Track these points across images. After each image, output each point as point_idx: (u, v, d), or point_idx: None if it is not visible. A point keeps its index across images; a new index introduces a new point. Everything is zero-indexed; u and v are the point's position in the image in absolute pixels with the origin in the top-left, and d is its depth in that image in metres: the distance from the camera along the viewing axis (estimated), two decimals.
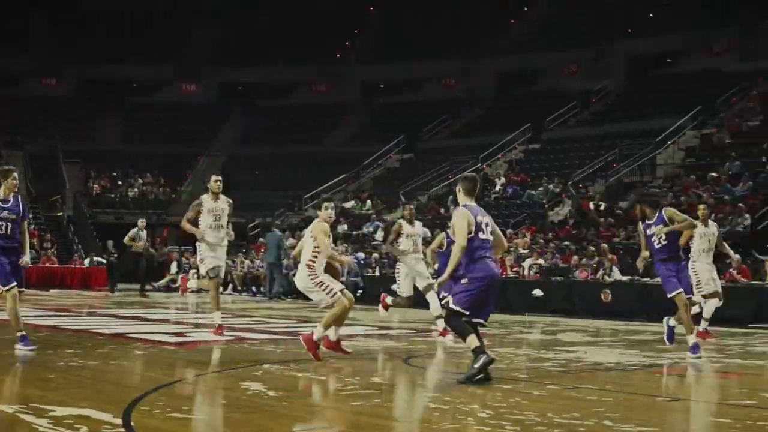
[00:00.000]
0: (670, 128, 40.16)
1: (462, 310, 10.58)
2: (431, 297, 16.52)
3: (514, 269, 28.88)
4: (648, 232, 14.27)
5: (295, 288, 13.60)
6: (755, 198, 31.14)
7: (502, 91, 56.04)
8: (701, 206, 17.97)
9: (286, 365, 12.07)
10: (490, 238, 10.90)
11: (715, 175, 33.95)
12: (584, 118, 48.34)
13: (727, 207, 30.25)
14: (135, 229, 31.96)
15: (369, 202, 44.75)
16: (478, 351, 10.43)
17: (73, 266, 40.30)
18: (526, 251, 30.00)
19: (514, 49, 56.17)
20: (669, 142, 39.97)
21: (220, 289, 17.48)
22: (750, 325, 21.21)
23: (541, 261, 28.68)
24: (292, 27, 59.56)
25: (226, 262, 18.12)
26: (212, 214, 16.01)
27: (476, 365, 10.35)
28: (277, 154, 52.49)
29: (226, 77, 60.84)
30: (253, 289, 36.25)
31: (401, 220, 17.39)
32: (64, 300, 29.05)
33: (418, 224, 17.48)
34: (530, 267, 28.38)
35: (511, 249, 30.22)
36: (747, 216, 28.93)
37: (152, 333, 16.39)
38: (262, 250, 36.37)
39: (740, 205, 29.79)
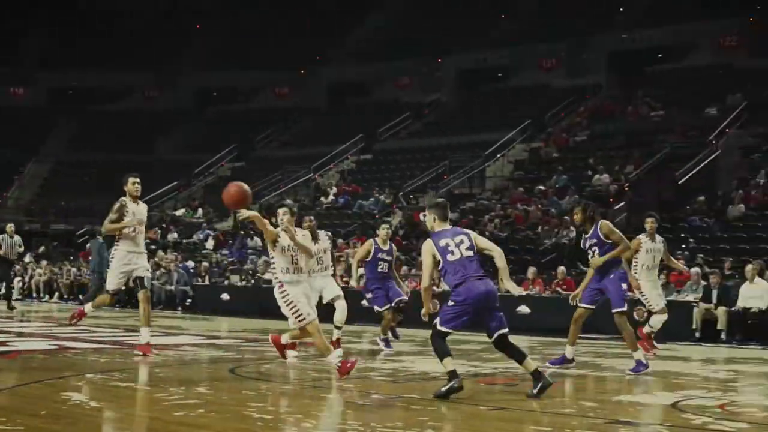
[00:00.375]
0: (499, 141, 40.86)
1: (447, 330, 10.49)
2: (340, 305, 15.98)
3: (344, 279, 28.91)
4: (586, 244, 13.94)
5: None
6: None
7: (335, 101, 56.18)
8: (649, 219, 16.69)
9: (109, 375, 11.87)
10: (466, 254, 10.58)
11: (542, 188, 34.67)
12: (416, 129, 48.79)
13: (554, 220, 30.91)
14: (3, 234, 27.95)
15: (200, 210, 44.39)
16: (452, 375, 10.37)
17: None
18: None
19: (347, 60, 56.41)
20: (498, 155, 40.66)
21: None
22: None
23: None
24: (124, 31, 58.74)
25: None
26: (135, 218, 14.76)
27: (444, 388, 10.29)
28: (107, 161, 51.61)
29: (55, 82, 59.60)
30: (80, 297, 35.58)
31: None
32: None
33: (322, 235, 16.22)
34: (361, 277, 28.43)
35: (342, 259, 30.30)
36: (572, 229, 29.52)
37: None
38: (90, 258, 35.74)
39: (566, 218, 30.42)
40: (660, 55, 46.12)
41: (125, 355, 14.84)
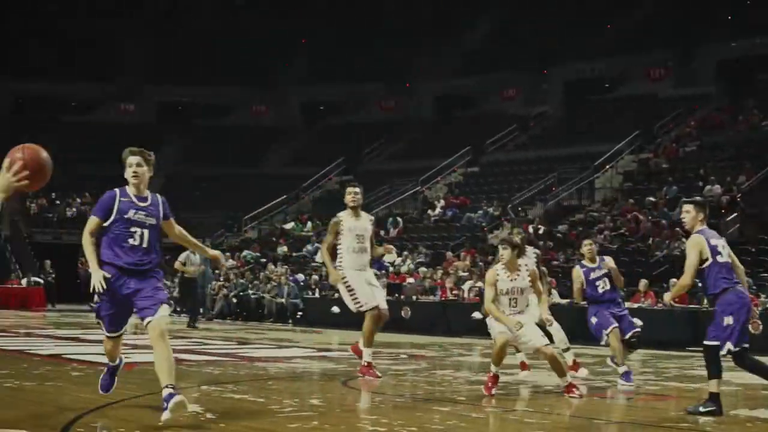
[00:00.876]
0: (608, 153, 40.51)
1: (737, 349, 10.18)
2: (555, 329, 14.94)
3: (454, 292, 28.93)
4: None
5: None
6: None
7: (441, 113, 56.19)
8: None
9: (223, 386, 11.99)
10: (730, 259, 10.38)
11: (652, 199, 34.29)
12: (523, 141, 48.62)
13: (665, 231, 30.56)
14: (186, 252, 26.79)
15: (309, 223, 44.69)
16: (714, 398, 10.17)
17: (10, 286, 39.87)
18: (465, 274, 30.08)
19: (453, 72, 56.42)
20: (607, 167, 40.31)
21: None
22: (688, 348, 21.38)
23: (480, 283, 28.73)
24: (229, 47, 59.44)
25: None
26: (354, 234, 13.71)
27: (703, 408, 10.14)
28: (217, 175, 52.24)
29: (164, 97, 60.48)
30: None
31: None
32: (1, 320, 28.72)
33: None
34: (470, 289, 28.44)
35: (451, 272, 30.35)
36: (684, 240, 29.16)
37: (89, 354, 16.14)
38: None
39: (677, 229, 30.07)
40: None
41: (238, 367, 14.99)
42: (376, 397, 11.74)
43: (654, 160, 39.27)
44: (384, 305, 13.78)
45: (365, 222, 13.96)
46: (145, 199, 9.17)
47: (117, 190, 9.16)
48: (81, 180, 51.87)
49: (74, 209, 50.52)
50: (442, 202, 41.94)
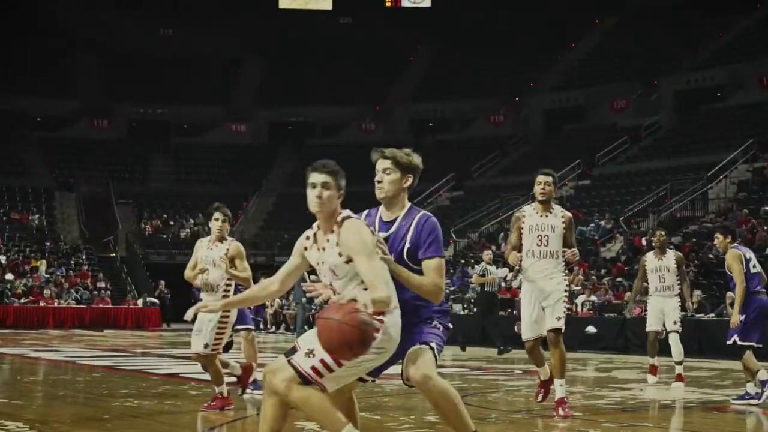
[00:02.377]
0: (721, 162, 39.93)
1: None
2: (674, 340, 15.38)
3: (567, 306, 28.72)
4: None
5: None
6: None
7: (550, 127, 55.97)
8: None
9: None
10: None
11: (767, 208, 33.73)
12: (634, 153, 48.18)
13: None
14: (483, 264, 24.65)
15: None
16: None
17: (126, 306, 40.57)
18: (578, 288, 29.87)
19: (561, 85, 56.21)
20: (721, 177, 39.71)
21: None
22: None
23: (594, 298, 28.55)
24: (338, 67, 59.93)
25: None
26: (535, 233, 11.71)
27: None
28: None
29: (274, 117, 61.15)
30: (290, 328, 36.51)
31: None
32: (118, 340, 29.20)
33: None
34: (583, 304, 28.25)
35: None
36: None
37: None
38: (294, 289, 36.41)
39: None
40: None
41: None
42: (491, 413, 11.70)
43: None
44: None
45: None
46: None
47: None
48: (193, 200, 52.68)
49: (187, 230, 51.26)
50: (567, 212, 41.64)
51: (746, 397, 12.69)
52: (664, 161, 44.11)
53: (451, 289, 35.69)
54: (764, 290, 12.53)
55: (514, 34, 57.64)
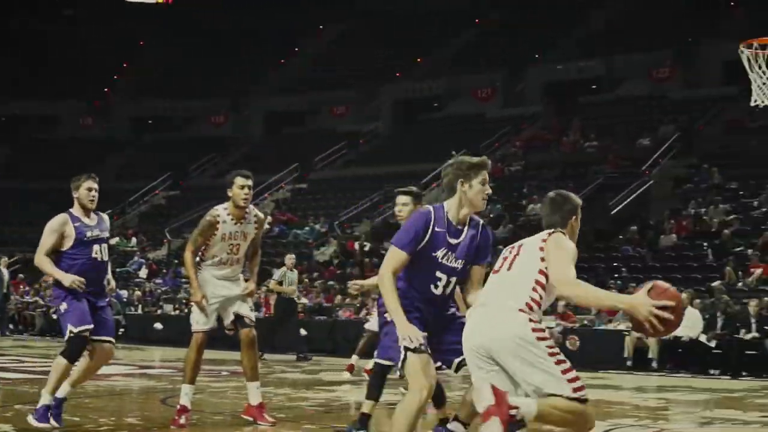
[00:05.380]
0: (434, 171, 40.94)
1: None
2: None
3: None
4: None
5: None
6: (515, 241, 31.98)
7: (271, 130, 56.04)
8: None
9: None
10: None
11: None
12: (351, 159, 48.80)
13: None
14: (283, 269, 24.36)
15: (134, 239, 44.04)
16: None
17: None
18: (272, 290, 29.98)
19: (284, 89, 56.40)
20: (434, 185, 40.70)
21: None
22: None
23: (305, 300, 28.76)
24: (57, 60, 58.37)
25: None
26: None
27: None
28: (45, 189, 50.69)
29: None
30: None
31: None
32: None
33: None
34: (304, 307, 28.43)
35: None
36: None
37: None
38: None
39: (500, 247, 30.56)
40: (594, 86, 46.59)
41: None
42: (193, 414, 11.60)
43: None
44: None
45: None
46: None
47: None
48: None
49: None
50: (270, 218, 41.78)
51: None
52: (380, 168, 44.72)
53: (163, 289, 35.35)
54: None
55: (241, 37, 57.46)
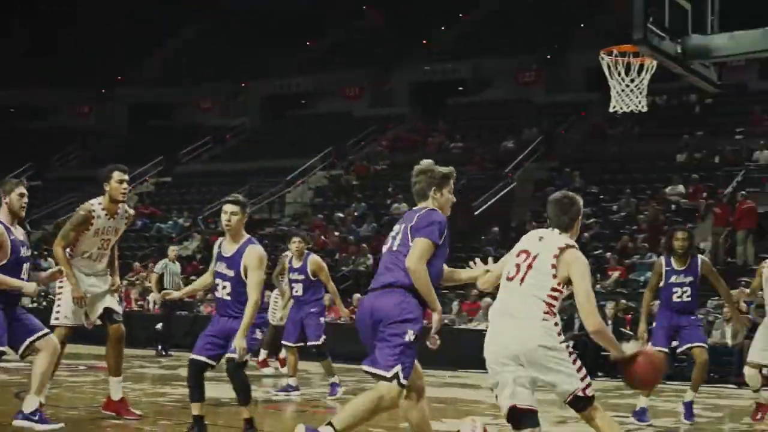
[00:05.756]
0: (300, 168, 40.98)
1: None
2: None
3: (139, 303, 28.58)
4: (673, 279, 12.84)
5: None
6: (378, 239, 32.27)
7: (136, 122, 55.31)
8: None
9: None
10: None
11: (341, 215, 34.93)
12: (217, 153, 48.51)
13: (352, 247, 31.20)
14: (164, 261, 23.85)
15: None
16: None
17: None
18: (150, 285, 29.69)
19: (150, 81, 55.75)
20: (299, 182, 40.75)
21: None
22: None
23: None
24: None
25: None
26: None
27: None
28: None
29: None
30: None
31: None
32: None
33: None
34: (155, 301, 28.13)
35: (137, 282, 29.94)
36: (370, 256, 29.90)
37: None
38: None
39: (364, 245, 30.86)
40: (461, 89, 47.07)
41: None
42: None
43: (345, 177, 39.95)
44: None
45: None
46: None
47: None
48: None
49: None
50: (133, 211, 41.25)
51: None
52: (246, 163, 44.53)
53: None
54: None
55: (105, 27, 56.63)
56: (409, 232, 7.96)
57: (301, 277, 14.62)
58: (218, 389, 11.63)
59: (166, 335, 23.96)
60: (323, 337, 14.57)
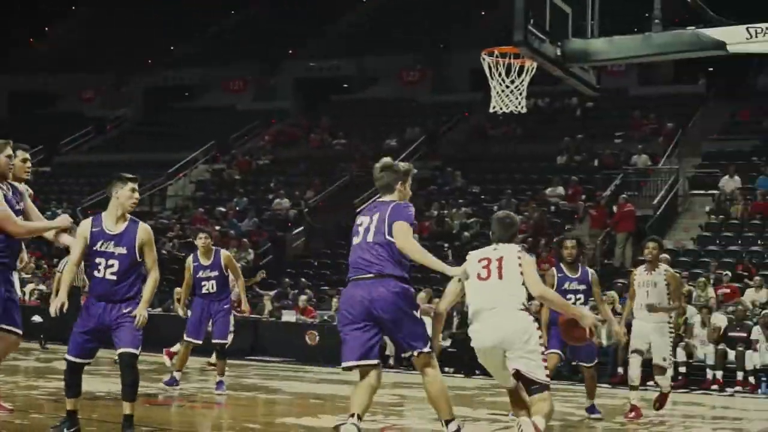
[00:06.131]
0: (182, 161, 40.67)
1: None
2: None
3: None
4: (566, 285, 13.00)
5: None
6: (259, 234, 32.27)
7: (17, 110, 54.28)
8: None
9: None
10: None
11: (223, 209, 34.76)
12: (99, 144, 47.89)
13: (233, 241, 31.06)
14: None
15: None
16: None
17: None
18: (29, 276, 29.25)
19: (31, 69, 54.77)
20: (180, 175, 40.43)
21: None
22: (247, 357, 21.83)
23: (43, 287, 28.14)
24: None
25: None
26: None
27: None
28: None
29: None
30: None
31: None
32: None
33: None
34: (32, 292, 27.76)
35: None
36: (251, 251, 29.84)
37: None
38: None
39: (245, 240, 30.76)
40: (345, 86, 47.14)
41: None
42: None
43: (227, 171, 39.75)
44: None
45: None
46: None
47: None
48: None
49: None
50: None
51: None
52: (126, 155, 44.00)
53: None
54: None
55: None
56: (386, 222, 8.98)
57: (214, 273, 14.31)
58: (92, 383, 11.50)
59: (46, 327, 23.57)
60: (231, 335, 14.53)
